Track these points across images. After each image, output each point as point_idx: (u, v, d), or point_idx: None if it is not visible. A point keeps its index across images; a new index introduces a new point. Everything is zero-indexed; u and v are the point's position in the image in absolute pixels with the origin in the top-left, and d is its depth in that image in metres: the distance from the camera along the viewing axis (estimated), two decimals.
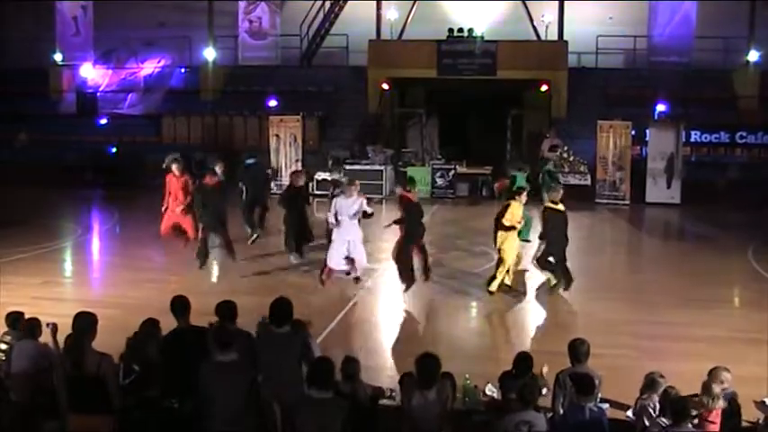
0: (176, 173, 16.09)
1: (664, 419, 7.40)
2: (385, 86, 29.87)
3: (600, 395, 8.03)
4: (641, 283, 15.64)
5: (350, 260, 14.02)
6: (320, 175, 25.69)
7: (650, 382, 8.01)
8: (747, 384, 8.75)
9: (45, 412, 7.62)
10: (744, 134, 28.34)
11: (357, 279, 14.31)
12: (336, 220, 13.84)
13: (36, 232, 19.29)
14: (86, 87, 34.67)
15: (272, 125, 27.37)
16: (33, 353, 8.17)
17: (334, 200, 14.18)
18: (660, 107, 28.46)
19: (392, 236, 14.46)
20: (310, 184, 17.95)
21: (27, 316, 8.87)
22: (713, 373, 7.95)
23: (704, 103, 29.27)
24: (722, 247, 18.74)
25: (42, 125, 31.91)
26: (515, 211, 13.78)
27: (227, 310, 8.13)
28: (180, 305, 8.08)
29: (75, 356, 7.15)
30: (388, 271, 14.92)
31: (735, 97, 30.14)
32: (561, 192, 14.17)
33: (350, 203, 13.87)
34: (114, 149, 30.01)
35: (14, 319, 9.04)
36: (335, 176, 17.82)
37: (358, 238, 14.07)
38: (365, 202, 14.11)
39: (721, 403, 7.48)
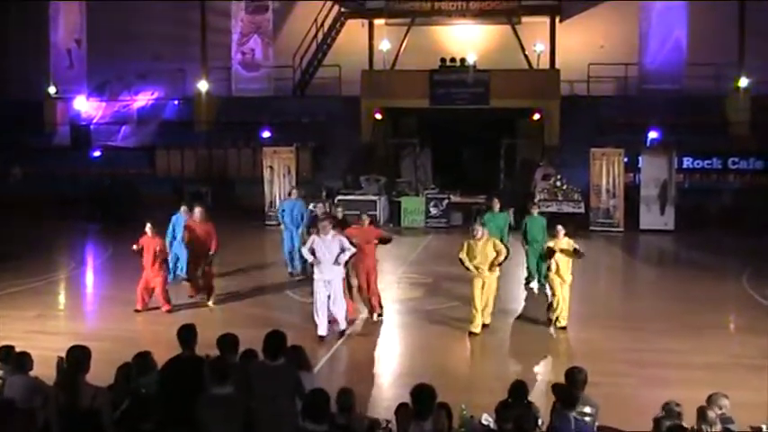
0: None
1: None
2: (378, 116, 29.99)
3: (597, 423, 7.97)
4: (637, 310, 15.63)
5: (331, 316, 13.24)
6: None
7: (668, 412, 7.88)
8: (745, 410, 8.69)
9: None
10: (736, 160, 28.45)
11: (342, 332, 13.24)
12: (315, 256, 12.99)
13: (30, 265, 19.22)
14: (80, 120, 34.78)
15: (265, 156, 27.26)
16: (24, 387, 8.09)
17: (312, 237, 13.36)
18: (652, 134, 28.60)
19: (384, 263, 14.42)
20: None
21: (20, 349, 8.80)
22: (711, 399, 7.91)
23: (696, 129, 29.37)
24: (717, 274, 18.73)
25: (36, 158, 31.92)
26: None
27: (228, 342, 8.08)
28: (186, 333, 8.01)
29: (69, 390, 7.10)
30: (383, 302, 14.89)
31: (726, 123, 30.25)
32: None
33: (327, 243, 12.95)
34: (108, 183, 29.91)
35: (5, 353, 8.97)
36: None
37: (339, 279, 13.22)
38: (345, 241, 13.11)
39: (719, 428, 7.43)
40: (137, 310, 14.82)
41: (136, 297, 14.93)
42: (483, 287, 13.43)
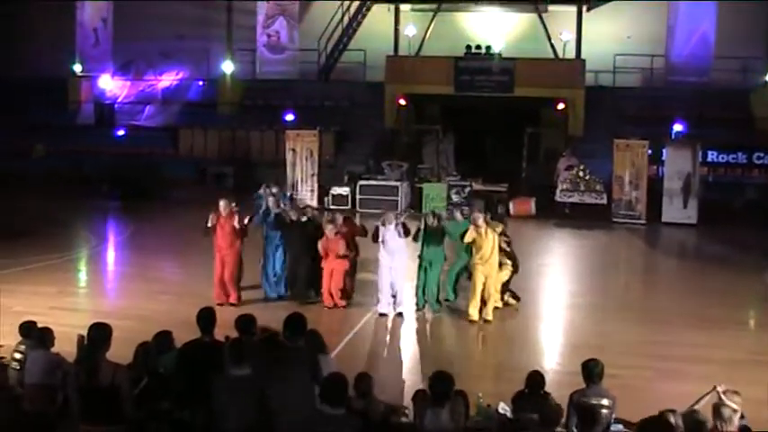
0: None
1: None
2: (402, 102, 29.92)
3: (614, 416, 7.96)
4: (657, 303, 15.57)
5: (393, 297, 13.93)
6: (336, 190, 25.86)
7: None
8: (764, 406, 8.66)
9: (58, 422, 7.62)
10: (761, 155, 28.20)
11: (400, 314, 13.87)
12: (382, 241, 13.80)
13: (52, 242, 19.36)
14: (105, 98, 34.91)
15: (288, 139, 27.31)
16: (45, 363, 8.18)
17: (378, 227, 13.82)
18: (677, 127, 28.37)
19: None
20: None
21: (42, 325, 8.89)
22: (721, 396, 7.88)
23: (722, 123, 29.13)
24: (738, 268, 18.59)
25: (60, 136, 32.09)
26: None
27: (246, 323, 8.11)
28: (205, 318, 8.01)
29: (89, 367, 7.15)
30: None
31: (752, 118, 29.98)
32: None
33: (391, 233, 13.73)
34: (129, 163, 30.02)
35: (27, 328, 9.07)
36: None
37: (402, 264, 13.96)
38: (401, 230, 13.75)
39: (736, 424, 7.40)
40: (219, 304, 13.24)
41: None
42: (486, 280, 13.45)
